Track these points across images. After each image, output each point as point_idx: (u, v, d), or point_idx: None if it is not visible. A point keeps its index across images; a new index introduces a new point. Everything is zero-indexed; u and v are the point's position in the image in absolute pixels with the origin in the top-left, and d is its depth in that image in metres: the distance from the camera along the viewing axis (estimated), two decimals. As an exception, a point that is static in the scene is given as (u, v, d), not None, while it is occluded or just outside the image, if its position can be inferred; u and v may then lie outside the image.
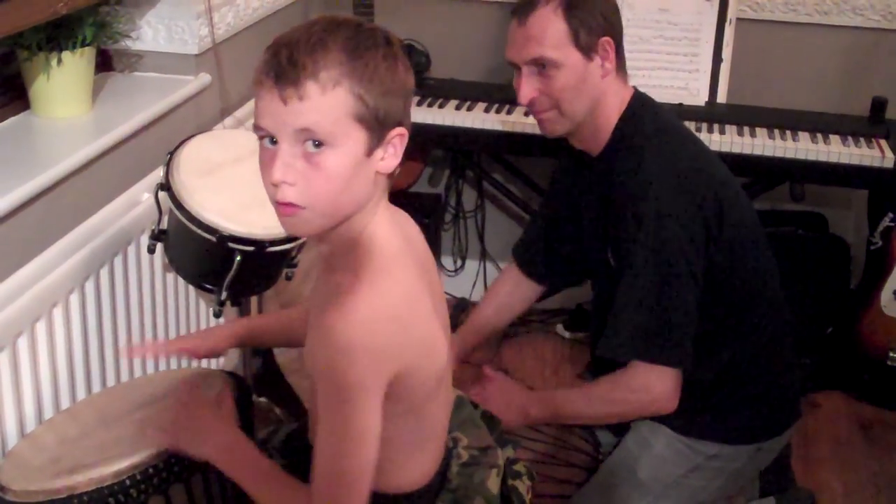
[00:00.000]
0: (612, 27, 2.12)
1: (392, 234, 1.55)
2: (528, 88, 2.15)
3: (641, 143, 2.10)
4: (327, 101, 1.40)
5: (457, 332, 2.44)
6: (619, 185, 2.10)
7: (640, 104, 2.17)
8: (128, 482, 1.77)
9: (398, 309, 1.48)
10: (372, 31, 1.46)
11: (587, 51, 2.10)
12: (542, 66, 2.11)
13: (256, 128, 1.45)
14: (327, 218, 1.47)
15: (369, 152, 1.45)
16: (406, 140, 1.49)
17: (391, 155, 1.48)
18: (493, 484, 1.76)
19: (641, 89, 2.23)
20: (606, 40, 2.10)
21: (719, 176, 2.15)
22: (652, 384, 2.11)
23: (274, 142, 1.43)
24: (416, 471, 1.68)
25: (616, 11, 2.15)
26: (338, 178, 1.43)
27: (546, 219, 2.47)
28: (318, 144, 1.41)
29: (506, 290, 2.54)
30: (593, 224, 2.22)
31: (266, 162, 1.45)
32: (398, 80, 1.46)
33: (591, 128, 2.17)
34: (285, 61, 1.40)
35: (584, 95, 2.12)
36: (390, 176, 1.52)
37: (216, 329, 2.02)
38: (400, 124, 1.48)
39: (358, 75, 1.41)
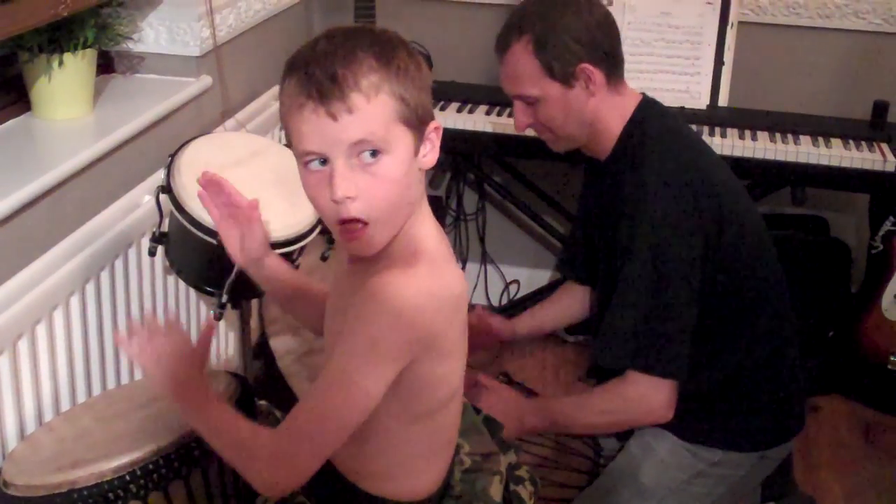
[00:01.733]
0: (591, 48, 2.11)
1: (438, 234, 1.56)
2: (521, 118, 2.21)
3: (644, 149, 2.11)
4: (374, 108, 1.41)
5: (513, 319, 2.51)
6: (621, 193, 2.10)
7: (646, 110, 2.17)
8: (127, 478, 1.79)
9: (447, 299, 1.50)
10: (386, 33, 1.48)
11: (565, 80, 2.12)
12: (525, 100, 2.16)
13: (304, 154, 1.44)
14: (390, 227, 1.48)
15: (416, 151, 1.47)
16: (441, 133, 1.51)
17: (431, 150, 1.50)
18: (496, 491, 1.76)
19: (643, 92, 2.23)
20: (583, 67, 2.10)
21: (722, 182, 2.15)
22: (648, 395, 2.11)
23: (324, 162, 1.43)
24: (427, 479, 1.68)
25: (594, 28, 2.12)
26: (397, 183, 1.45)
27: (580, 223, 2.49)
28: (375, 153, 1.42)
29: (562, 303, 2.56)
30: (602, 229, 2.22)
31: (318, 184, 1.45)
32: (424, 74, 1.48)
33: (594, 141, 2.20)
34: (324, 78, 1.40)
35: (574, 119, 2.15)
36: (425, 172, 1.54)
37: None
38: (432, 118, 1.50)
39: (394, 77, 1.42)
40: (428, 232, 1.54)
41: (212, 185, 1.81)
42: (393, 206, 1.46)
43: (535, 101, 2.14)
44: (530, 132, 2.25)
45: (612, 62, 2.14)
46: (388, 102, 1.42)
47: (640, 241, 2.04)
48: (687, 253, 2.04)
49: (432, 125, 1.49)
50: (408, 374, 1.49)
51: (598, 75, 2.11)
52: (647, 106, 2.18)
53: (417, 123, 1.46)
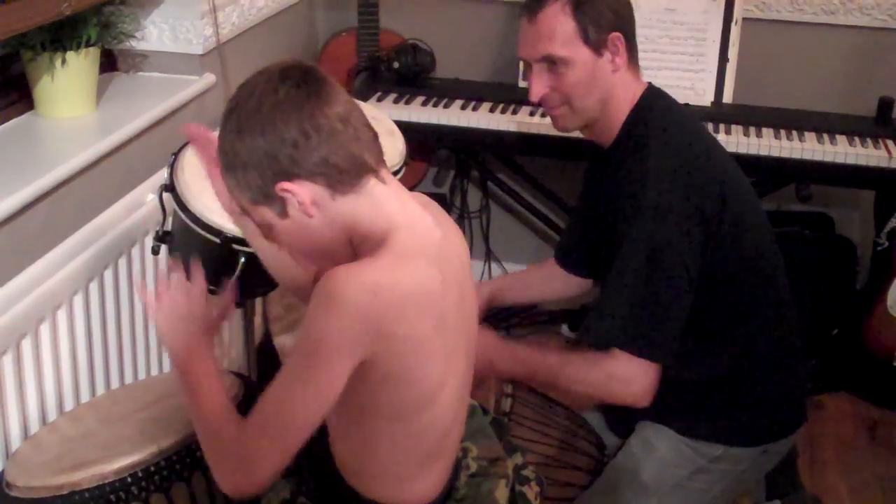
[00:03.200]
0: (622, 22, 2.12)
1: (421, 231, 1.56)
2: (538, 86, 2.15)
3: (647, 136, 2.10)
4: None
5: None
6: (623, 179, 2.10)
7: (653, 97, 2.16)
8: (129, 479, 1.79)
9: (403, 295, 1.48)
10: None
11: (597, 47, 2.09)
12: (552, 63, 2.12)
13: None
14: None
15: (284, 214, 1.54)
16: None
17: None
18: (502, 494, 1.75)
19: (647, 89, 2.22)
20: (616, 35, 2.10)
21: (726, 173, 2.14)
22: (634, 377, 2.07)
23: None
24: (420, 488, 1.67)
25: (627, 5, 2.14)
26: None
27: (581, 213, 2.47)
28: None
29: (536, 274, 2.58)
30: (603, 217, 2.21)
31: None
32: None
33: (602, 122, 2.17)
34: None
35: (595, 91, 2.12)
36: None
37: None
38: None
39: None
40: (403, 225, 1.53)
41: (200, 140, 1.80)
42: (313, 257, 1.60)
43: (564, 63, 2.10)
44: (534, 130, 2.25)
45: (633, 42, 2.15)
46: None
47: (639, 224, 2.03)
48: (685, 239, 2.03)
49: (279, 187, 1.50)
50: (373, 370, 1.49)
51: (623, 50, 2.11)
52: (653, 94, 2.18)
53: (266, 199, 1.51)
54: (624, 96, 2.14)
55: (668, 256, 2.02)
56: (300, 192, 1.49)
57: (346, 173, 1.50)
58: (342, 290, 1.44)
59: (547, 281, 2.55)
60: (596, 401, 2.27)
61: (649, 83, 2.19)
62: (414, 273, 1.52)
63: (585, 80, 2.11)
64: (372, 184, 1.52)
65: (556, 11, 2.09)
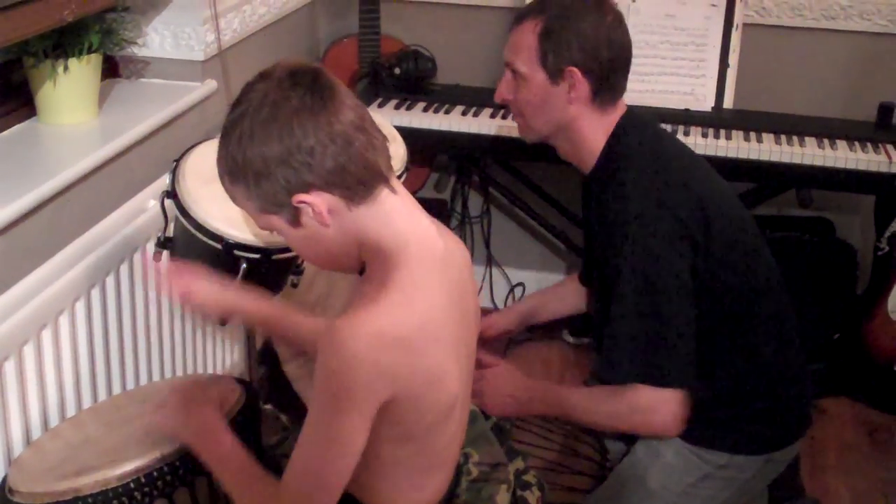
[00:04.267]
0: (588, 59, 2.11)
1: (422, 248, 1.55)
2: (502, 89, 2.24)
3: (625, 164, 2.13)
4: None
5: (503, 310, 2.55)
6: (606, 209, 2.13)
7: (628, 125, 2.18)
8: (132, 485, 1.79)
9: (410, 332, 1.48)
10: None
11: (553, 75, 2.13)
12: (514, 73, 2.19)
13: None
14: None
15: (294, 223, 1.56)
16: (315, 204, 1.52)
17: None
18: (503, 499, 1.76)
19: (648, 94, 2.25)
20: (573, 70, 2.11)
21: (706, 190, 2.15)
22: (656, 407, 2.11)
23: None
24: (424, 494, 1.68)
25: (604, 44, 2.12)
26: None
27: (586, 232, 2.50)
28: None
29: (562, 290, 2.64)
30: (593, 241, 2.24)
31: None
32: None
33: (567, 150, 2.22)
34: None
35: (546, 115, 2.17)
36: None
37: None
38: (297, 191, 1.53)
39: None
40: (412, 241, 1.53)
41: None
42: (325, 262, 1.62)
43: (521, 78, 2.17)
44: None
45: (605, 82, 2.14)
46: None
47: (627, 254, 2.05)
48: (675, 259, 2.05)
49: (295, 199, 1.49)
50: (391, 406, 1.49)
51: (583, 86, 2.12)
52: (628, 119, 2.19)
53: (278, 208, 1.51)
54: (594, 130, 2.17)
55: (663, 285, 2.05)
56: (317, 203, 1.47)
57: (362, 183, 1.49)
58: (350, 347, 1.43)
59: (578, 294, 2.58)
60: (622, 432, 2.27)
61: (626, 108, 2.20)
62: (421, 300, 1.51)
63: (535, 102, 2.17)
64: (384, 194, 1.52)
65: (529, 29, 2.15)
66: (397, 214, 1.54)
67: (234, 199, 1.55)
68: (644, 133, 2.19)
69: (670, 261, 2.05)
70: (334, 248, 1.54)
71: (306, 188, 1.47)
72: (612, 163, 2.15)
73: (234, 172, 1.50)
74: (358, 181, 1.48)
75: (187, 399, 1.75)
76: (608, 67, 2.14)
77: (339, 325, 1.44)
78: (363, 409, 1.45)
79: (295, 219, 1.51)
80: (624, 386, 2.11)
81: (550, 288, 2.72)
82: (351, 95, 1.51)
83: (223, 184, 1.55)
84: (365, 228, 1.51)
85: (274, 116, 1.45)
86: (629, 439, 2.30)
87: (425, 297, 1.51)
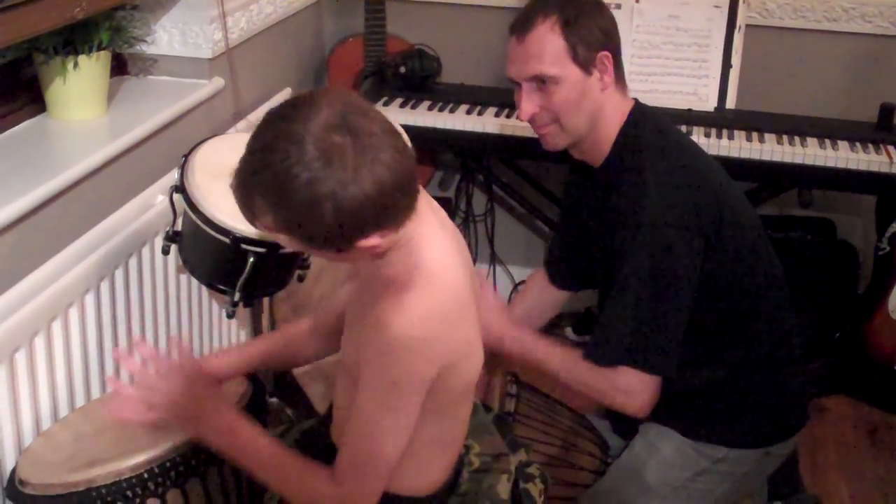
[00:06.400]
0: (610, 41, 2.13)
1: (439, 236, 1.59)
2: (528, 105, 2.16)
3: (641, 154, 2.12)
4: None
5: None
6: (619, 196, 2.11)
7: (640, 115, 2.18)
8: (145, 475, 1.80)
9: (448, 306, 1.54)
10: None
11: (586, 66, 2.11)
12: (542, 81, 2.12)
13: None
14: None
15: None
16: None
17: None
18: (504, 489, 1.78)
19: (651, 95, 2.25)
20: (604, 55, 2.11)
21: (718, 184, 2.16)
22: (636, 389, 2.10)
23: None
24: (432, 474, 1.70)
25: (614, 25, 2.16)
26: None
27: (562, 229, 2.50)
28: None
29: (532, 297, 2.58)
30: (597, 235, 2.23)
31: None
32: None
33: (591, 141, 2.18)
34: None
35: (584, 110, 2.14)
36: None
37: (230, 351, 2.06)
38: None
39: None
40: (426, 239, 1.56)
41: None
42: None
43: (553, 82, 2.11)
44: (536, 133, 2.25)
45: (620, 61, 2.17)
46: None
47: (639, 244, 2.05)
48: (687, 252, 2.06)
49: (368, 241, 1.50)
50: (436, 382, 1.55)
51: (611, 69, 2.13)
52: (642, 113, 2.19)
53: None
54: (612, 115, 2.16)
55: (670, 274, 2.05)
56: (373, 243, 1.48)
57: (405, 210, 1.50)
58: (403, 331, 1.47)
59: (541, 299, 2.57)
60: (596, 404, 2.29)
61: (635, 99, 2.21)
62: (453, 279, 1.56)
63: (574, 99, 2.12)
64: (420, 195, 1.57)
65: (546, 30, 2.10)
66: (423, 208, 1.58)
67: (257, 221, 1.50)
68: (658, 122, 2.20)
69: (682, 254, 2.05)
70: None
71: (365, 235, 1.47)
72: (628, 155, 2.14)
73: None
74: (400, 212, 1.50)
75: (193, 395, 1.72)
76: (619, 43, 2.16)
77: (387, 314, 1.48)
78: (420, 390, 1.52)
79: (340, 254, 1.51)
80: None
81: (524, 303, 2.61)
82: (378, 117, 1.48)
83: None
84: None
85: (320, 168, 1.39)
86: (627, 435, 2.31)
87: (450, 271, 1.56)
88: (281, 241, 1.53)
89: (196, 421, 1.70)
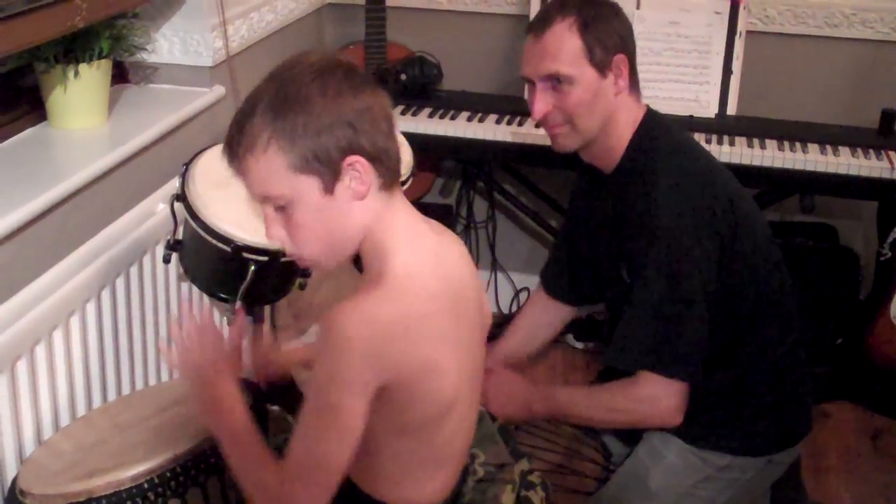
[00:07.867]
0: (626, 45, 2.14)
1: (415, 245, 1.58)
2: (541, 104, 2.16)
3: (654, 160, 2.12)
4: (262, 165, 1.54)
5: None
6: (633, 203, 2.11)
7: (652, 122, 2.18)
8: (145, 486, 1.80)
9: (403, 319, 1.51)
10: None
11: (601, 67, 2.11)
12: (556, 81, 2.13)
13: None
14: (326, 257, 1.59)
15: (328, 189, 1.51)
16: (363, 164, 1.51)
17: (355, 180, 1.51)
18: (508, 499, 1.77)
19: (652, 101, 2.24)
20: (620, 58, 2.12)
21: (732, 191, 2.16)
22: (659, 397, 2.12)
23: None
24: (428, 490, 1.69)
25: (630, 31, 2.17)
26: (308, 227, 1.55)
27: (566, 239, 2.49)
28: (282, 208, 1.55)
29: (533, 318, 2.56)
30: (607, 241, 2.23)
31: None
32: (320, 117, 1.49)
33: (603, 144, 2.18)
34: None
35: (597, 111, 2.13)
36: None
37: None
38: (346, 154, 1.50)
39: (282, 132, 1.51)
40: (397, 247, 1.55)
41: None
42: (324, 248, 1.54)
43: (568, 82, 2.11)
44: (539, 141, 2.26)
45: (635, 66, 2.17)
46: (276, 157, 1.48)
47: (656, 249, 2.05)
48: (704, 256, 2.06)
49: (348, 159, 1.49)
50: (387, 395, 1.52)
51: (626, 73, 2.13)
52: (655, 119, 2.19)
53: (320, 166, 1.48)
54: (625, 120, 2.16)
55: (687, 278, 2.05)
56: (364, 168, 1.49)
57: (392, 171, 1.54)
58: (342, 328, 1.47)
59: (542, 319, 2.56)
60: (629, 427, 2.27)
61: (648, 106, 2.21)
62: (415, 290, 1.54)
63: (588, 100, 2.12)
64: (398, 191, 1.57)
65: (564, 30, 2.11)
66: (402, 215, 1.58)
67: (253, 152, 1.51)
68: (671, 129, 2.20)
69: (698, 259, 2.05)
70: (339, 231, 1.53)
71: (359, 152, 1.49)
72: (642, 161, 2.13)
73: (287, 116, 1.48)
74: (392, 167, 1.53)
75: (207, 369, 1.73)
76: (635, 49, 2.17)
77: (336, 310, 1.48)
78: (358, 391, 1.48)
79: (330, 185, 1.50)
80: (628, 380, 2.13)
81: (518, 326, 2.58)
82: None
83: (248, 129, 1.51)
84: (378, 217, 1.54)
85: (350, 76, 1.49)
86: (631, 441, 2.31)
87: (418, 288, 1.54)
88: (271, 188, 1.52)
89: (199, 383, 1.71)
